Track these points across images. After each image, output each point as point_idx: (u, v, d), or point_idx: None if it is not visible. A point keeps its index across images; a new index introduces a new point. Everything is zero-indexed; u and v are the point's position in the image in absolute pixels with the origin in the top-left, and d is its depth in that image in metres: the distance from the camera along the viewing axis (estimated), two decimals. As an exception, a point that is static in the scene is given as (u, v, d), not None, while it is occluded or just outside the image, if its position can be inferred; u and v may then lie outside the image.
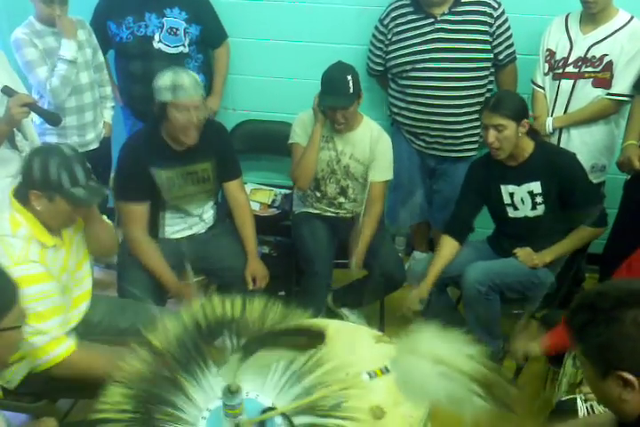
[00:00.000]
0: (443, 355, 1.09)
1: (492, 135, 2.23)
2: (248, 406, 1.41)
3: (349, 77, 2.38)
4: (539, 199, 2.32)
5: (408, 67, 2.64)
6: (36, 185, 1.68)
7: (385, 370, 1.20)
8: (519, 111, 2.24)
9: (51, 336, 1.66)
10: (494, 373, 1.07)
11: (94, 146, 2.78)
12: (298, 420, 1.40)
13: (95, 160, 2.57)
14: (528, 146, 2.30)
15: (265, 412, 1.41)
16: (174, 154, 2.28)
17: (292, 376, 1.49)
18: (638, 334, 1.10)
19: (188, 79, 2.17)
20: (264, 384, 1.48)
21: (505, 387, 1.07)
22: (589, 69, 2.45)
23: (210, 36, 2.88)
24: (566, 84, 2.49)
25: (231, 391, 1.34)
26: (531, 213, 2.36)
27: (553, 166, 2.28)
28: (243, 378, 1.39)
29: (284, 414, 1.40)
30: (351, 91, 2.38)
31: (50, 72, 2.52)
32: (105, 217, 1.99)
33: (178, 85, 2.15)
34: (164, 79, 2.17)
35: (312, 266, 2.49)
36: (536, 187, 2.31)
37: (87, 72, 2.66)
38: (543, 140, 2.38)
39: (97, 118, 2.78)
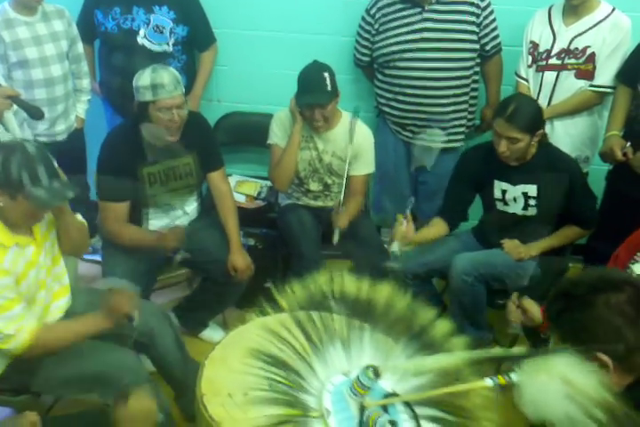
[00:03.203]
0: (574, 378, 1.09)
1: (503, 145, 2.17)
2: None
3: (326, 75, 2.37)
4: (532, 202, 2.32)
5: (395, 56, 2.64)
6: None
7: (508, 379, 1.20)
8: (536, 123, 2.18)
9: (14, 328, 1.65)
10: (622, 405, 1.07)
11: (62, 137, 2.76)
12: (420, 411, 1.37)
13: (65, 152, 2.56)
14: (533, 147, 2.26)
15: (387, 397, 1.38)
16: (154, 150, 2.26)
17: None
18: (609, 316, 1.14)
19: (168, 77, 2.14)
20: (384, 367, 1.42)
21: (630, 421, 1.07)
22: (572, 61, 2.46)
23: (197, 39, 2.87)
24: (550, 76, 2.51)
25: (376, 374, 1.30)
26: (521, 213, 2.36)
27: (553, 172, 2.25)
28: (366, 359, 1.38)
29: (406, 403, 1.37)
30: (328, 88, 2.37)
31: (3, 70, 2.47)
32: (79, 215, 1.95)
33: (158, 84, 2.12)
34: (144, 78, 2.14)
35: (299, 248, 2.49)
36: (532, 190, 2.30)
37: (60, 64, 2.62)
38: (547, 141, 2.33)
39: (69, 110, 2.75)
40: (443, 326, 1.46)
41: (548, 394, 1.10)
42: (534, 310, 1.77)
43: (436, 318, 1.47)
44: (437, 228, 2.43)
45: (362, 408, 1.32)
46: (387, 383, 1.41)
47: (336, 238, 2.41)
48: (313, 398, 1.34)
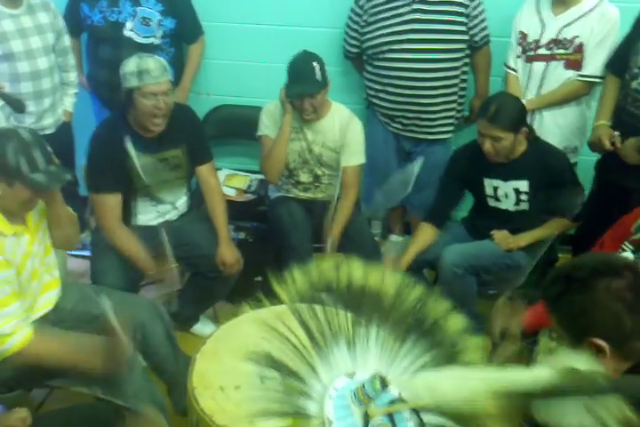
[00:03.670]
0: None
1: (488, 144, 2.20)
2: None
3: (315, 64, 2.36)
4: (523, 197, 2.33)
5: (385, 48, 2.63)
6: None
7: None
8: (518, 121, 2.20)
9: (10, 326, 1.63)
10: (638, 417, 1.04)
11: (50, 131, 2.73)
12: (426, 418, 1.29)
13: (54, 146, 2.55)
14: (521, 145, 2.28)
15: (393, 403, 1.29)
16: (144, 141, 2.25)
17: (424, 367, 1.33)
18: (609, 301, 1.14)
19: (154, 64, 2.13)
20: (390, 370, 1.33)
21: None
22: (561, 51, 2.46)
23: (184, 31, 2.85)
24: (538, 67, 2.51)
25: (384, 386, 1.23)
26: (513, 208, 2.37)
27: (544, 166, 2.27)
28: (372, 360, 1.31)
29: (413, 409, 1.28)
30: (318, 78, 2.37)
31: None
32: (70, 209, 1.93)
33: (144, 70, 2.11)
34: (130, 65, 2.14)
35: (289, 240, 2.48)
36: (523, 185, 2.31)
37: (47, 57, 2.60)
38: (536, 136, 2.35)
39: (56, 104, 2.72)
40: (456, 322, 1.38)
41: (564, 402, 1.07)
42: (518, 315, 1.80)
43: (449, 312, 1.38)
44: (425, 237, 2.44)
45: (366, 416, 1.26)
46: (394, 388, 1.31)
47: (329, 248, 2.42)
48: (314, 403, 1.27)
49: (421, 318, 1.37)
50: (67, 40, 2.71)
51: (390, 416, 1.28)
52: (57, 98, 2.72)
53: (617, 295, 1.14)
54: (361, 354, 1.34)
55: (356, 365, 1.33)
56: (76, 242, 2.04)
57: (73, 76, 2.80)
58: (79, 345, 1.70)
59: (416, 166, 2.23)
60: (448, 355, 1.35)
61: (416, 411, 1.29)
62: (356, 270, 1.39)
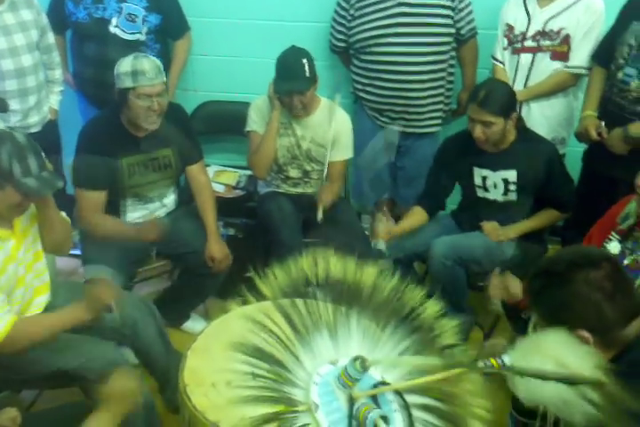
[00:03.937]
0: (567, 360, 1.08)
1: (478, 130, 2.21)
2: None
3: (305, 61, 2.36)
4: (512, 187, 2.34)
5: (371, 42, 2.63)
6: None
7: (501, 362, 1.15)
8: (509, 106, 2.21)
9: None
10: (615, 385, 1.06)
11: (36, 129, 2.70)
12: (409, 398, 1.32)
13: (40, 144, 2.53)
14: (511, 134, 2.29)
15: (377, 386, 1.33)
16: (134, 140, 2.25)
17: (406, 352, 1.39)
18: (589, 292, 1.16)
19: (149, 65, 2.13)
20: (372, 354, 1.38)
21: (623, 400, 1.05)
22: (547, 43, 2.47)
23: (170, 27, 2.83)
24: (525, 59, 2.51)
25: (364, 366, 1.27)
26: (501, 198, 2.38)
27: (532, 157, 2.28)
28: (354, 346, 1.36)
29: (396, 391, 1.34)
30: (307, 75, 2.37)
31: None
32: (63, 214, 1.92)
33: (139, 71, 2.10)
34: (125, 65, 2.13)
35: (278, 235, 2.48)
36: (511, 175, 2.31)
37: (31, 54, 2.57)
38: (525, 126, 2.36)
39: (41, 102, 2.70)
40: (432, 308, 1.43)
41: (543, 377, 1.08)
42: (515, 284, 1.78)
43: (424, 298, 1.44)
44: (417, 217, 2.45)
45: (351, 400, 1.29)
46: (376, 372, 1.38)
47: (320, 215, 2.42)
48: (300, 390, 1.31)
49: (399, 307, 1.43)
50: (51, 37, 2.69)
51: (374, 398, 1.31)
52: (42, 96, 2.70)
53: (596, 285, 1.16)
54: (343, 342, 1.39)
55: (339, 352, 1.38)
56: (67, 249, 2.01)
57: (58, 73, 2.78)
58: (59, 312, 1.76)
59: (392, 134, 2.23)
60: (427, 339, 1.41)
61: (399, 393, 1.33)
62: (333, 264, 1.47)
